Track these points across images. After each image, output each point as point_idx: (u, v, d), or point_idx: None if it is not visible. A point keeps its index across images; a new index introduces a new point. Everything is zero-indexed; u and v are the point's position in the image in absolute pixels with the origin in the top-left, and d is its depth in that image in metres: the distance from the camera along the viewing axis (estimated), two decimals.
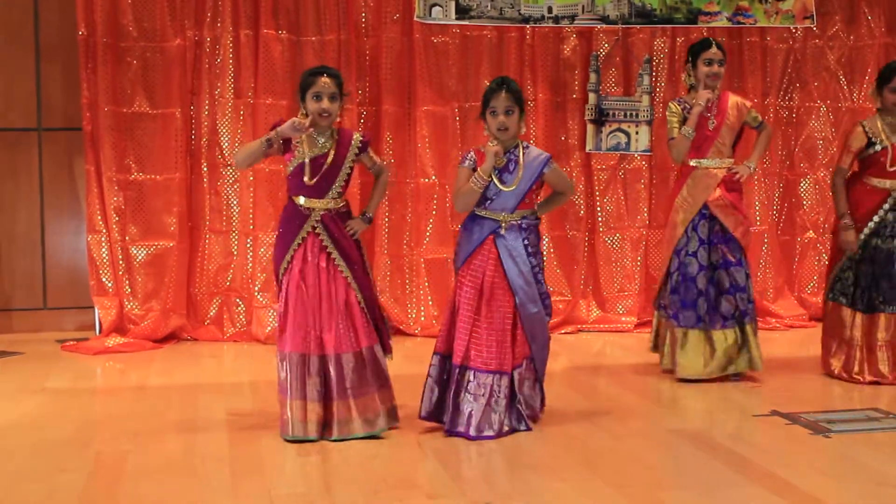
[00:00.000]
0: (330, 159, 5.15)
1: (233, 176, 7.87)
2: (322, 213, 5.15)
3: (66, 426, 5.39)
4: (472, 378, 5.10)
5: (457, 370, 5.12)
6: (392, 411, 5.22)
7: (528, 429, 5.19)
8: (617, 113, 8.23)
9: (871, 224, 6.32)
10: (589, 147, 8.28)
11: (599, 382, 6.65)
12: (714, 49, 6.29)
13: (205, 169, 7.85)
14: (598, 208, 8.36)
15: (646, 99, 8.22)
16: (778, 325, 8.37)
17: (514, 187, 5.13)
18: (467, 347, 5.11)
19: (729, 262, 6.34)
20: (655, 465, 4.78)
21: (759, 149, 6.53)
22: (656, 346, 6.63)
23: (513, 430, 5.16)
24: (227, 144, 7.83)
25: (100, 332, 7.70)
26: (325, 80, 5.10)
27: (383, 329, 5.32)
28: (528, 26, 8.13)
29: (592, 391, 6.36)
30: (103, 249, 7.69)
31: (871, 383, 6.25)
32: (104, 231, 7.69)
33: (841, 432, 5.18)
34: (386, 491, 4.31)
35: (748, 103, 6.51)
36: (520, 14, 8.07)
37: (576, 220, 8.35)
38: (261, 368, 6.76)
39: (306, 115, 5.09)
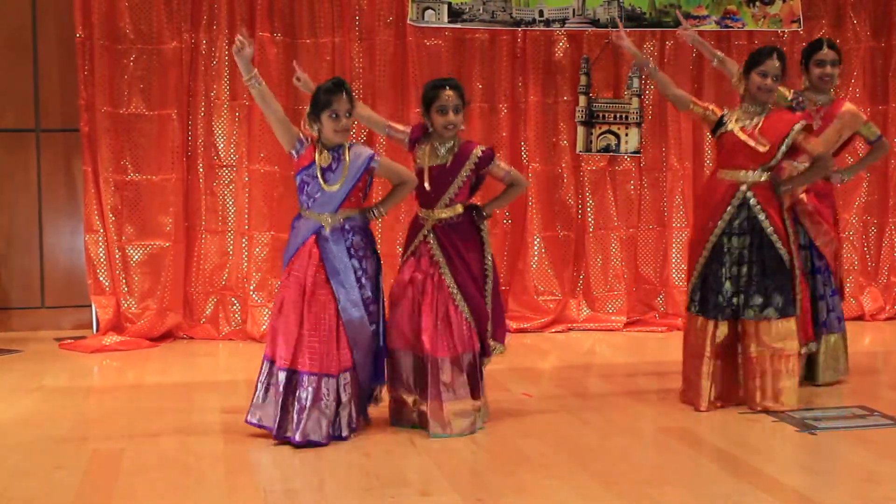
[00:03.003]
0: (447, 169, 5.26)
1: (228, 177, 7.93)
2: (434, 222, 5.23)
3: (62, 424, 5.43)
4: (299, 381, 4.94)
5: (284, 374, 4.97)
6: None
7: (346, 437, 4.99)
8: (607, 115, 8.29)
9: (720, 223, 5.60)
10: (579, 148, 8.34)
11: (589, 381, 6.70)
12: (825, 49, 6.00)
13: (201, 170, 7.90)
14: (589, 209, 8.43)
15: (635, 101, 8.29)
16: None
17: (336, 187, 5.00)
18: (294, 350, 4.96)
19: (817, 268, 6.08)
20: (644, 462, 4.81)
21: (864, 161, 6.34)
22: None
23: (338, 437, 4.96)
24: (222, 146, 7.89)
25: (97, 330, 7.75)
26: (448, 92, 5.14)
27: (483, 333, 5.29)
28: (519, 29, 8.19)
29: (582, 389, 6.39)
30: (100, 249, 7.74)
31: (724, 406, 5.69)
32: (101, 231, 7.73)
33: (827, 429, 5.22)
34: (378, 488, 4.34)
35: (863, 115, 6.22)
36: (511, 17, 8.14)
37: (566, 221, 8.41)
38: (255, 367, 6.55)
39: (429, 126, 5.19)
